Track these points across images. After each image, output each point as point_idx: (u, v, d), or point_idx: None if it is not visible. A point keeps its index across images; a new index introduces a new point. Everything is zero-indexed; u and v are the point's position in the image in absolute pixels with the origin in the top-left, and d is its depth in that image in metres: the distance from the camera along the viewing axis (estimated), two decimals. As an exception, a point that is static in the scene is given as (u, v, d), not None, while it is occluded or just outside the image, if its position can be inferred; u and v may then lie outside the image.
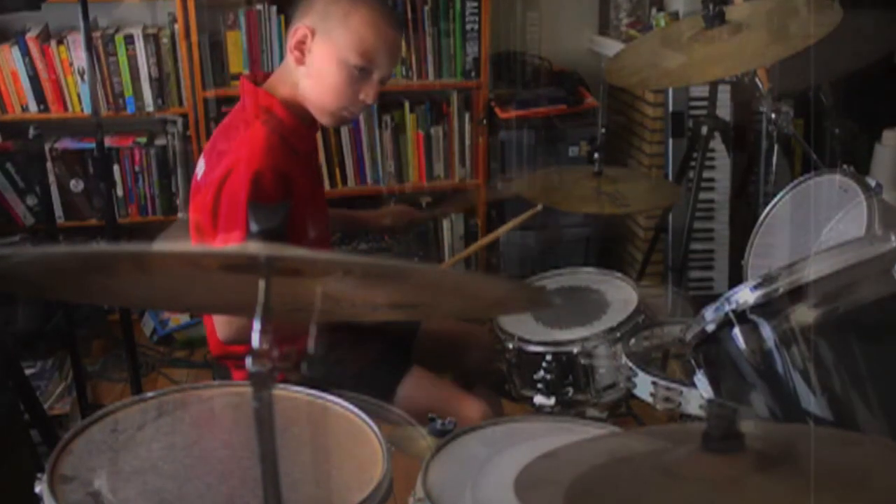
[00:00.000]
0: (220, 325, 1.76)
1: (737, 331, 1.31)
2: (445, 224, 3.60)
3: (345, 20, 1.77)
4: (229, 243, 1.66)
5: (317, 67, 1.79)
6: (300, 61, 1.80)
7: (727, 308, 1.32)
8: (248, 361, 0.95)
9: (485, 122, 3.46)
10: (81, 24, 2.39)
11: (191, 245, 1.74)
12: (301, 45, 1.79)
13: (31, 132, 2.48)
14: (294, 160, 1.81)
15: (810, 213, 1.96)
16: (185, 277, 1.04)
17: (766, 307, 1.29)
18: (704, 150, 2.70)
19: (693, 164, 2.75)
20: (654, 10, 3.50)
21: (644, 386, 1.70)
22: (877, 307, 1.27)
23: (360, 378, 1.48)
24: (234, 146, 1.76)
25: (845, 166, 1.94)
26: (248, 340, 0.94)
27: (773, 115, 2.45)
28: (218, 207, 1.73)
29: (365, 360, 1.83)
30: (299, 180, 1.80)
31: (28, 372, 2.57)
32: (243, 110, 1.84)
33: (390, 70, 1.84)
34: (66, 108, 3.31)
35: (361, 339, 1.71)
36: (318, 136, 3.31)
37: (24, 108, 3.29)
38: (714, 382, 1.42)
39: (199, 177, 1.86)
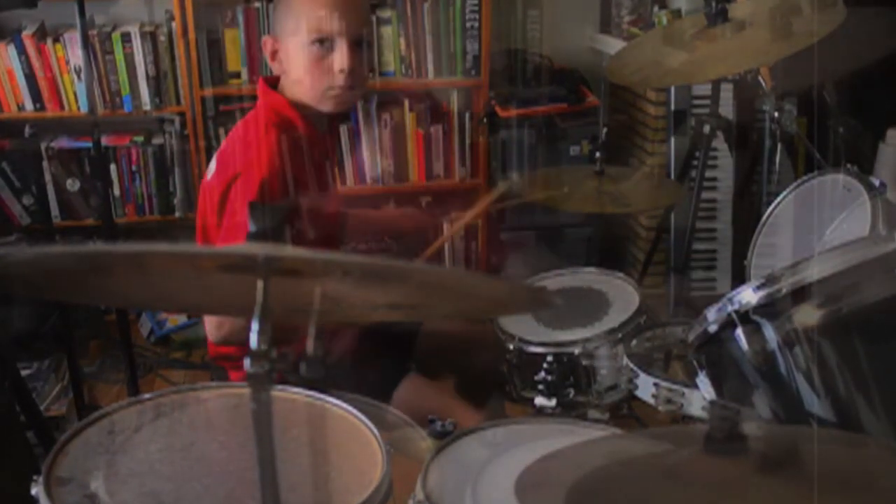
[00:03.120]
0: (209, 327, 1.75)
1: (739, 332, 1.30)
2: (445, 224, 3.58)
3: (287, 9, 1.82)
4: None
5: (288, 64, 1.83)
6: (279, 69, 1.85)
7: (730, 309, 1.31)
8: (247, 363, 0.94)
9: (485, 120, 3.45)
10: (78, 21, 2.38)
11: (188, 245, 1.74)
12: (274, 55, 1.85)
13: (28, 131, 2.48)
14: (304, 164, 1.81)
15: (814, 212, 1.95)
16: (182, 278, 1.03)
17: (769, 308, 1.28)
18: (707, 150, 2.69)
19: (695, 163, 2.74)
20: (655, 8, 3.49)
21: (646, 387, 1.69)
22: (881, 307, 1.26)
23: (356, 382, 1.48)
24: (244, 149, 1.77)
25: (849, 165, 1.94)
26: (237, 342, 0.93)
27: (776, 114, 2.45)
28: (223, 210, 1.74)
29: (361, 364, 1.82)
30: (308, 184, 1.80)
31: (24, 373, 2.57)
32: (257, 112, 1.86)
33: (355, 29, 1.79)
34: (62, 107, 3.30)
35: (359, 342, 1.70)
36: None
37: (21, 107, 3.28)
38: (716, 384, 1.41)
39: (208, 177, 1.87)
